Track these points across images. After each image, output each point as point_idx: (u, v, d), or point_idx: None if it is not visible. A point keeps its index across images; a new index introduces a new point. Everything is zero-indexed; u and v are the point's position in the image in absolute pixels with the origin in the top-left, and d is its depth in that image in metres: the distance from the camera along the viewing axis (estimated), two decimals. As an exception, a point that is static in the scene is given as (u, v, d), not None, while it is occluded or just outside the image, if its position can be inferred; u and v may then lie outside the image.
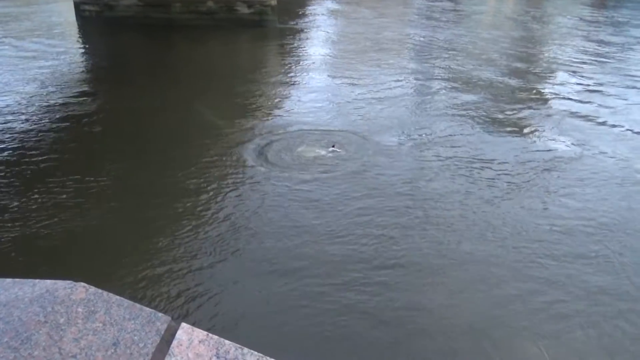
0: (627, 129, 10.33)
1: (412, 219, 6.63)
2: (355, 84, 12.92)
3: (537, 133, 10.04)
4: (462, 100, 11.80)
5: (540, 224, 6.61)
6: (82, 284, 1.53)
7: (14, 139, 9.06)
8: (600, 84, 13.78)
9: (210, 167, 8.03)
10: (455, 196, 7.27)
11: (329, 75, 14.03)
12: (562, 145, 9.40)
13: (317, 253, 5.83)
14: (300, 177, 7.70)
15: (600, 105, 11.79)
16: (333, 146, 8.72)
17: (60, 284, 1.52)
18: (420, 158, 8.68)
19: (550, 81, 14.33)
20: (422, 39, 19.72)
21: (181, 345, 1.44)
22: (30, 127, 9.62)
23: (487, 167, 8.29)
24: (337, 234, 6.21)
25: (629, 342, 4.72)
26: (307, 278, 5.41)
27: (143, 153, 8.63)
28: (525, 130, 10.18)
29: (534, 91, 13.13)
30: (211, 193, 7.23)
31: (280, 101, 11.77)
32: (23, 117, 10.17)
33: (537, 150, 9.16)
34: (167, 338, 1.45)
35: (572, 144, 9.44)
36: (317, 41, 19.25)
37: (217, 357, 1.44)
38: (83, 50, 17.31)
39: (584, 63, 16.30)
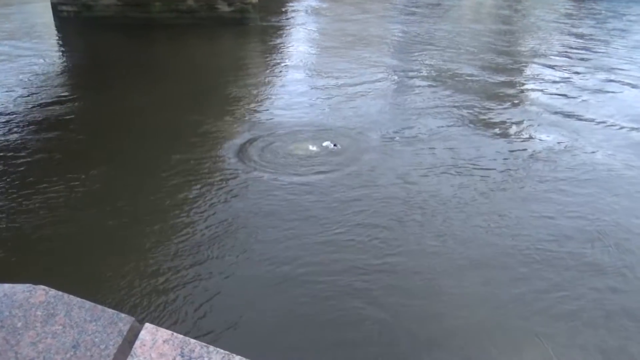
0: (603, 122, 10.50)
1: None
2: (339, 81, 12.92)
3: (518, 127, 10.16)
4: (442, 94, 11.89)
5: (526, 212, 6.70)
6: (42, 287, 1.51)
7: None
8: (579, 77, 13.97)
9: (195, 168, 7.97)
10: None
11: (311, 73, 14.00)
12: (542, 139, 9.52)
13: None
14: (292, 176, 7.71)
15: (577, 98, 11.97)
16: (335, 145, 8.72)
17: (19, 287, 1.49)
18: (400, 153, 8.73)
19: (530, 75, 14.49)
20: (404, 34, 19.79)
21: (144, 345, 1.43)
22: (9, 129, 9.45)
23: (469, 164, 8.38)
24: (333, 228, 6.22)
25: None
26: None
27: (125, 154, 8.53)
28: (506, 126, 10.30)
29: (514, 85, 13.26)
30: (196, 194, 7.18)
31: (264, 100, 11.71)
32: (2, 118, 10.00)
33: (522, 142, 9.29)
34: (130, 339, 1.44)
35: (552, 137, 9.57)
36: (300, 39, 19.20)
37: (182, 356, 1.43)
38: (62, 52, 17.01)
39: (564, 56, 16.51)
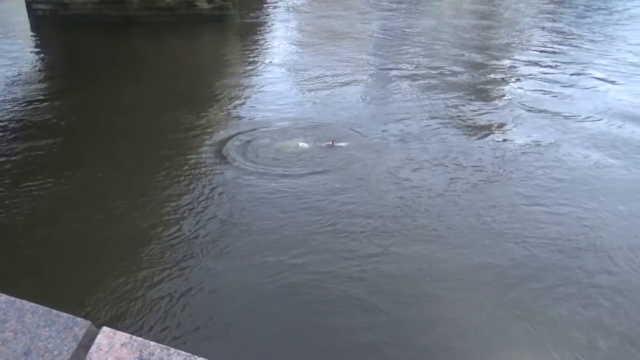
0: (579, 117, 10.64)
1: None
2: (320, 78, 12.89)
3: (495, 123, 10.24)
4: (422, 90, 11.94)
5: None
6: (-7, 292, 1.46)
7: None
8: (558, 73, 14.15)
9: (178, 167, 7.87)
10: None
11: (292, 70, 13.94)
12: (520, 137, 9.58)
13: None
14: (278, 173, 7.69)
15: (556, 95, 12.09)
16: (332, 142, 8.63)
17: (-33, 295, 1.44)
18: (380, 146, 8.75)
19: (509, 70, 14.63)
20: (385, 30, 19.83)
21: (100, 350, 1.39)
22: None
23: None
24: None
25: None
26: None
27: (108, 155, 8.38)
28: (482, 123, 10.38)
29: (492, 81, 13.38)
30: (180, 193, 7.10)
31: (246, 97, 11.64)
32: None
33: (498, 139, 9.37)
34: (86, 343, 1.39)
35: (529, 135, 9.64)
36: (281, 35, 19.11)
37: (141, 360, 1.39)
38: (37, 52, 16.66)
39: (544, 52, 16.70)
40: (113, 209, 6.56)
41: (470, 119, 10.27)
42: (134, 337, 1.48)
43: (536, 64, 14.97)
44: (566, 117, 10.47)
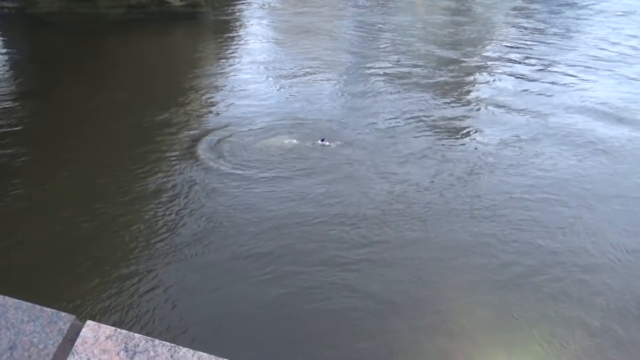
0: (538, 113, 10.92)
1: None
2: (294, 74, 12.89)
3: (463, 122, 10.44)
4: (395, 87, 12.07)
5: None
6: (-25, 290, 1.46)
7: None
8: (528, 70, 14.46)
9: (158, 165, 7.80)
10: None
11: (267, 68, 13.89)
12: (493, 136, 9.78)
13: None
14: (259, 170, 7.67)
15: (524, 92, 12.38)
16: (322, 140, 8.61)
17: (-50, 292, 1.44)
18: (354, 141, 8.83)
19: (478, 68, 14.88)
20: (359, 27, 19.91)
21: (86, 342, 1.41)
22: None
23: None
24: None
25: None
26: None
27: (85, 157, 8.24)
28: (452, 121, 10.56)
29: (461, 77, 13.60)
30: (159, 191, 7.04)
31: (222, 97, 11.56)
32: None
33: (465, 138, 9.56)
34: (71, 337, 1.41)
35: (494, 132, 9.85)
36: (254, 32, 18.98)
37: (126, 351, 1.42)
38: (4, 53, 16.17)
39: (515, 48, 17.02)
40: (92, 210, 6.49)
41: (445, 117, 10.44)
42: (118, 329, 1.50)
43: (509, 60, 15.27)
44: (540, 114, 10.74)
